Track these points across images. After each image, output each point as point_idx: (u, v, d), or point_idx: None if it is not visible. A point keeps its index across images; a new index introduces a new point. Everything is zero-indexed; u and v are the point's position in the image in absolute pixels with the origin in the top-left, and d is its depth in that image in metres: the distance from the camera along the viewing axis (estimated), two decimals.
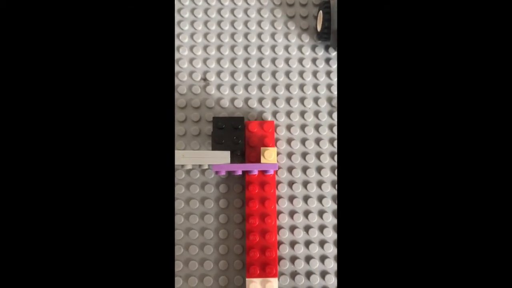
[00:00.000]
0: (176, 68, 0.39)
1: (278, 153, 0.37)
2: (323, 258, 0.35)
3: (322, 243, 0.35)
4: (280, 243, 0.35)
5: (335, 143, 0.37)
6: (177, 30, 0.40)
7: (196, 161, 0.33)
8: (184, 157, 0.33)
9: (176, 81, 0.39)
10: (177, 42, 0.40)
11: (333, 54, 0.40)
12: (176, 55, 0.39)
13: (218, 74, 0.39)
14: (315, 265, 0.35)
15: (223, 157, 0.34)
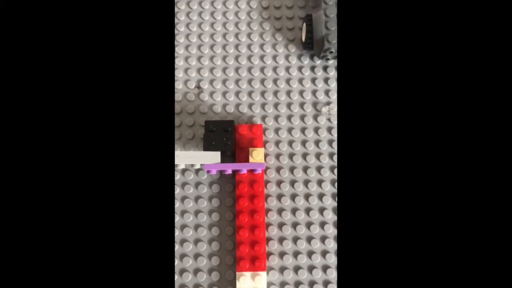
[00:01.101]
0: None
1: (267, 155, 0.39)
2: (310, 253, 0.37)
3: (309, 239, 0.37)
4: (269, 239, 0.37)
5: (320, 144, 0.40)
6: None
7: (188, 160, 0.36)
8: (177, 157, 0.35)
9: None
10: None
11: (318, 62, 0.42)
12: None
13: (211, 82, 0.42)
14: (303, 260, 0.37)
15: (214, 157, 0.36)
